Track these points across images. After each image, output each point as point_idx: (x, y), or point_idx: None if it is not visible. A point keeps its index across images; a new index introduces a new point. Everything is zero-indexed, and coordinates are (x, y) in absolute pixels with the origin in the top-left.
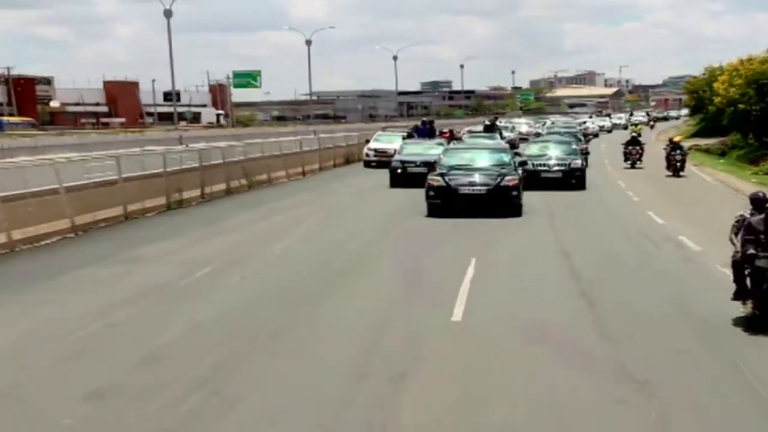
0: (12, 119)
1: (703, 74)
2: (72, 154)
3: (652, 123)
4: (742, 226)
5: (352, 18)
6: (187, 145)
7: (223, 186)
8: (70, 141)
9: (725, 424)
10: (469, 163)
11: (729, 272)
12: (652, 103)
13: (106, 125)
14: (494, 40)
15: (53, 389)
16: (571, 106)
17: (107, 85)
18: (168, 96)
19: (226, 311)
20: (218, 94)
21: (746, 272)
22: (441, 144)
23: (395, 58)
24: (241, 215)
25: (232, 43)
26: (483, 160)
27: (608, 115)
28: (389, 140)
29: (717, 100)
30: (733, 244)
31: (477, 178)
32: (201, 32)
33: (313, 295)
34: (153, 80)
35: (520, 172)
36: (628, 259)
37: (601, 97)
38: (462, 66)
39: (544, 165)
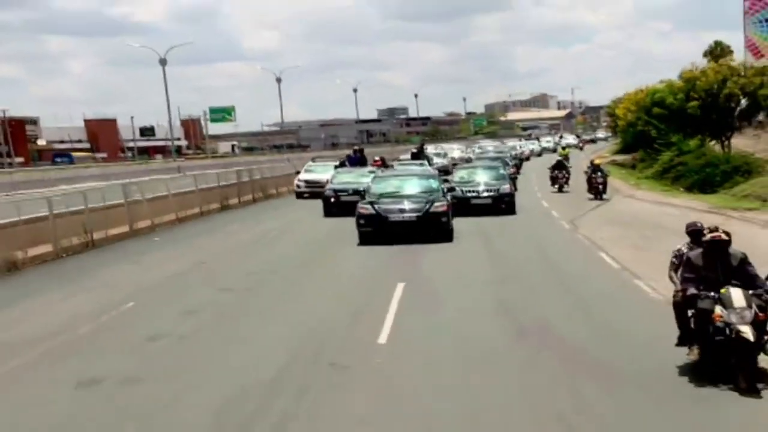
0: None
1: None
2: (128, 180)
3: (581, 145)
4: (681, 262)
5: (305, 46)
6: (184, 173)
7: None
8: (97, 172)
9: None
10: (398, 191)
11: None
12: (603, 124)
13: (93, 158)
14: (448, 65)
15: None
16: (525, 128)
17: (88, 123)
18: (144, 131)
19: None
20: (190, 127)
21: (689, 314)
22: (372, 172)
23: (355, 90)
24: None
25: (189, 75)
26: (412, 186)
27: (537, 139)
28: (321, 171)
29: (620, 123)
30: (673, 282)
31: (406, 204)
32: (156, 66)
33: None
34: (132, 118)
35: (449, 197)
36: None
37: (554, 119)
38: (416, 95)
39: (474, 191)
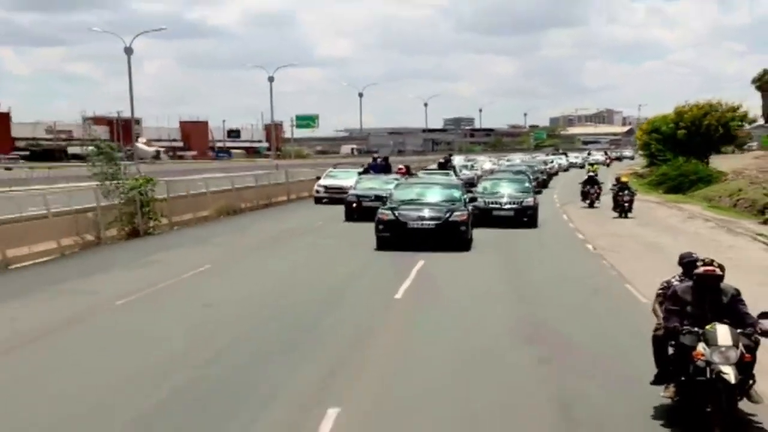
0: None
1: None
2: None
3: (608, 162)
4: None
5: (378, 54)
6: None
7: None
8: (218, 165)
9: None
10: (420, 198)
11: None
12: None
13: (180, 157)
14: (517, 78)
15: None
16: (585, 143)
17: (183, 124)
18: (230, 133)
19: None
20: (272, 131)
21: (669, 351)
22: (396, 179)
23: (426, 104)
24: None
25: (260, 79)
26: (433, 195)
27: (564, 154)
28: (342, 177)
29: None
30: (656, 315)
31: (426, 212)
32: (229, 69)
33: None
34: (224, 121)
35: (470, 208)
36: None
37: (614, 134)
38: (480, 110)
39: (496, 203)
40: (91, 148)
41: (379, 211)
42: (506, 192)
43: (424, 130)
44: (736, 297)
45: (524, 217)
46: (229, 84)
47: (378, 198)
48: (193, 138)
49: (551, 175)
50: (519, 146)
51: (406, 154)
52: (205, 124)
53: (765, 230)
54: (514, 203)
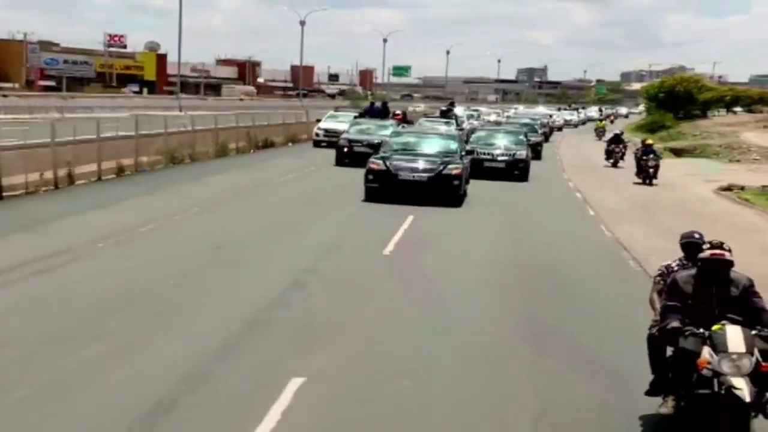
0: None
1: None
2: None
3: (612, 118)
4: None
5: None
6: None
7: None
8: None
9: None
10: (414, 148)
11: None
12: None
13: (289, 96)
14: (595, 28)
15: None
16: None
17: (293, 67)
18: (331, 77)
19: None
20: (367, 77)
21: (667, 354)
22: (391, 125)
23: (499, 61)
24: None
25: (332, 18)
26: (429, 146)
27: (576, 110)
28: (342, 120)
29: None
30: (653, 308)
31: (419, 164)
32: (300, 7)
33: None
34: (328, 67)
35: (466, 161)
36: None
37: None
38: (544, 67)
39: (489, 154)
40: None
41: (370, 159)
42: (500, 143)
43: (495, 80)
44: (750, 288)
45: (515, 170)
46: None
47: (370, 145)
48: (303, 79)
49: (552, 129)
50: (582, 99)
51: (478, 102)
52: (311, 68)
53: None
54: (506, 155)
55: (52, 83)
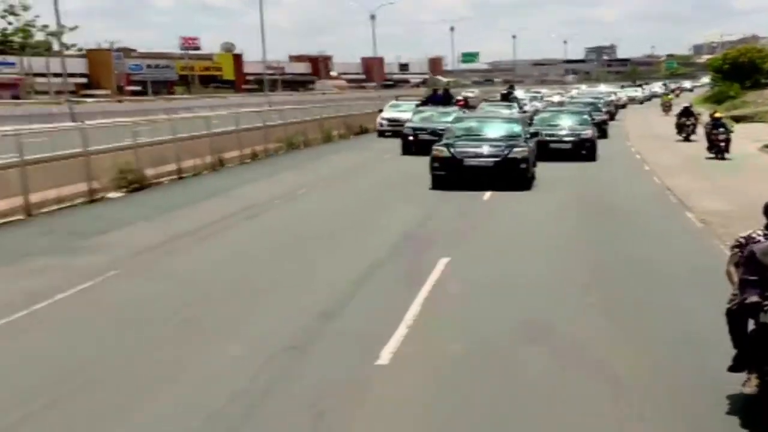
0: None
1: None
2: None
3: (678, 92)
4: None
5: None
6: None
7: None
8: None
9: None
10: (478, 133)
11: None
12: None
13: (363, 87)
14: (661, 1)
15: None
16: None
17: (363, 59)
18: (402, 66)
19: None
20: (436, 65)
21: (750, 329)
22: (454, 112)
23: (565, 42)
24: None
25: (397, 8)
26: (492, 130)
27: (640, 86)
28: (405, 109)
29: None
30: (731, 282)
31: (484, 149)
32: None
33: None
34: (398, 57)
35: (531, 143)
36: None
37: None
38: (610, 47)
39: (554, 135)
40: None
41: (434, 147)
42: (565, 124)
43: (564, 61)
44: None
45: (582, 150)
46: (366, 13)
47: (435, 132)
48: (373, 71)
49: (618, 107)
50: (653, 75)
51: (547, 84)
52: (381, 59)
53: None
54: (572, 136)
55: (138, 88)
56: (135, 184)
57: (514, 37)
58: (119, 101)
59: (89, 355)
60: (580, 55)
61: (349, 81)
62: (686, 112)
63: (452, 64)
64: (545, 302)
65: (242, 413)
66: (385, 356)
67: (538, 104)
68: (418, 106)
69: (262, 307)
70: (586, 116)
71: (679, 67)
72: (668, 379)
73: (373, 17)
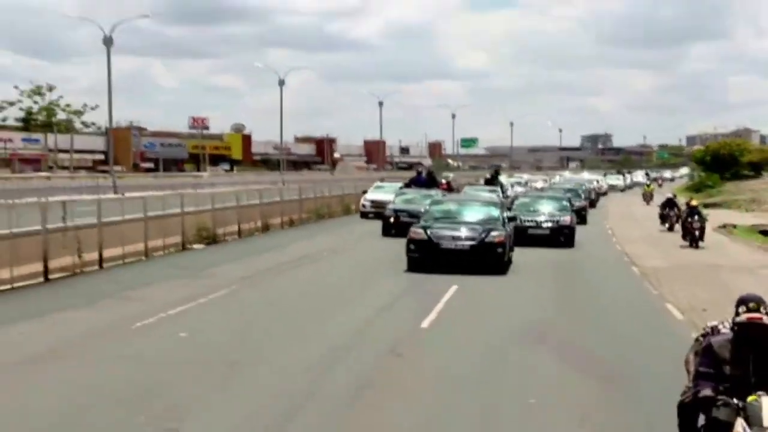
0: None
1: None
2: None
3: (660, 182)
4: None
5: (513, 68)
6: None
7: None
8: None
9: None
10: (455, 216)
11: None
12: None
13: (377, 169)
14: (657, 93)
15: None
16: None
17: (366, 143)
18: (403, 150)
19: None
20: (435, 149)
21: (700, 424)
22: (437, 195)
23: (560, 130)
24: None
25: (398, 92)
26: (470, 213)
27: (622, 174)
28: (389, 191)
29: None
30: (687, 371)
31: (461, 232)
32: (368, 82)
33: None
34: (399, 141)
35: (509, 228)
36: None
37: None
38: (606, 134)
39: (533, 221)
40: None
41: (411, 229)
42: (543, 210)
43: (559, 149)
44: None
45: (561, 236)
46: (361, 99)
47: (414, 215)
48: (374, 154)
49: (599, 194)
50: (646, 164)
51: (542, 171)
52: (383, 142)
53: None
54: (550, 222)
55: (151, 165)
56: (209, 239)
57: (511, 124)
58: (153, 177)
59: (244, 327)
60: (577, 143)
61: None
62: (669, 203)
63: (452, 149)
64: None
65: (349, 345)
66: None
67: (520, 189)
68: (401, 188)
69: (338, 307)
70: (565, 202)
71: (670, 157)
72: None
73: (381, 104)
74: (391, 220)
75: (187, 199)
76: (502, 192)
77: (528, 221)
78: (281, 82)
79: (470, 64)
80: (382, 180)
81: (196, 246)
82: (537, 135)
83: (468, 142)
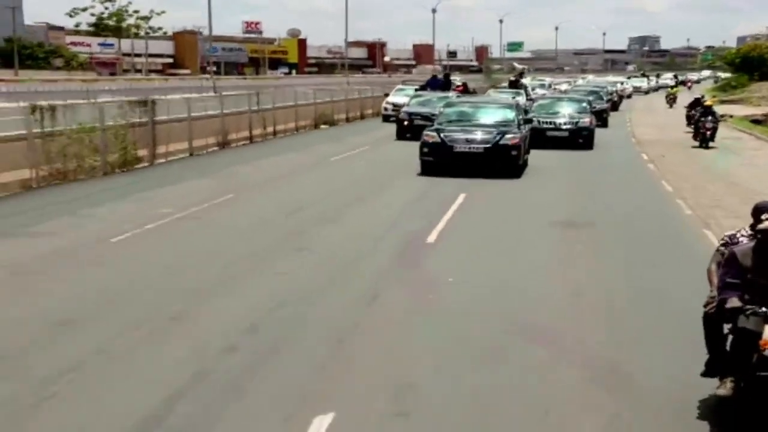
0: None
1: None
2: None
3: (690, 85)
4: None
5: None
6: None
7: None
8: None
9: None
10: (470, 119)
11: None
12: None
13: (410, 71)
14: None
15: None
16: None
17: (415, 47)
18: (450, 53)
19: None
20: (482, 53)
21: (725, 333)
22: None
23: (604, 33)
24: None
25: None
26: (485, 116)
27: (645, 76)
28: (408, 94)
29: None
30: (711, 282)
31: (475, 135)
32: None
33: None
34: (447, 45)
35: (524, 130)
36: None
37: None
38: (655, 36)
39: (551, 123)
40: None
41: (424, 132)
42: (563, 111)
43: (604, 51)
44: None
45: (580, 138)
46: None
47: (429, 117)
48: (423, 58)
49: (622, 97)
50: (691, 66)
51: (588, 73)
52: (431, 46)
53: None
54: (569, 123)
55: (214, 68)
56: (327, 124)
57: (556, 28)
58: (244, 78)
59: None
60: (625, 45)
61: (401, 66)
62: (696, 103)
63: (499, 53)
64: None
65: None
66: None
67: (546, 92)
68: (416, 90)
69: (360, 205)
70: (585, 104)
71: (715, 59)
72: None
73: (434, 11)
74: (405, 123)
75: (317, 94)
76: (526, 95)
77: (547, 123)
78: None
79: None
80: (404, 83)
81: (323, 126)
82: (582, 38)
83: (514, 46)
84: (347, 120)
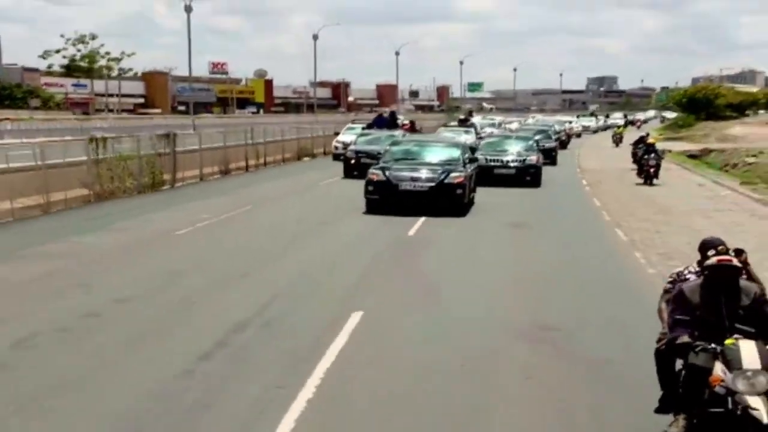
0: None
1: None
2: None
3: (639, 124)
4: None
5: (520, 8)
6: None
7: None
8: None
9: None
10: (416, 157)
11: None
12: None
13: (374, 111)
14: (664, 35)
15: None
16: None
17: (378, 86)
18: (412, 93)
19: None
20: (444, 93)
21: (679, 369)
22: (399, 136)
23: (561, 74)
24: None
25: (401, 34)
26: (431, 154)
27: (595, 116)
28: (357, 133)
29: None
30: (661, 320)
31: (420, 173)
32: (367, 25)
33: None
34: (410, 84)
35: (470, 169)
36: None
37: None
38: (613, 77)
39: (499, 160)
40: None
41: (370, 170)
42: (510, 149)
43: (562, 91)
44: (761, 297)
45: (527, 176)
46: (371, 40)
47: (375, 156)
48: (387, 98)
49: (570, 136)
50: (645, 107)
51: (546, 113)
52: (395, 86)
53: None
54: (516, 161)
55: (183, 108)
56: (308, 156)
57: (515, 69)
58: (219, 117)
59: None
60: (583, 85)
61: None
62: (641, 141)
63: (459, 92)
64: None
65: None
66: None
67: (495, 131)
68: (363, 129)
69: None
70: (532, 142)
71: (669, 100)
72: None
73: (397, 54)
74: (352, 161)
75: (293, 131)
76: (476, 133)
77: (494, 160)
78: (315, 37)
79: (477, 6)
80: (353, 121)
81: (305, 159)
82: (541, 78)
83: (474, 86)
84: (324, 153)
